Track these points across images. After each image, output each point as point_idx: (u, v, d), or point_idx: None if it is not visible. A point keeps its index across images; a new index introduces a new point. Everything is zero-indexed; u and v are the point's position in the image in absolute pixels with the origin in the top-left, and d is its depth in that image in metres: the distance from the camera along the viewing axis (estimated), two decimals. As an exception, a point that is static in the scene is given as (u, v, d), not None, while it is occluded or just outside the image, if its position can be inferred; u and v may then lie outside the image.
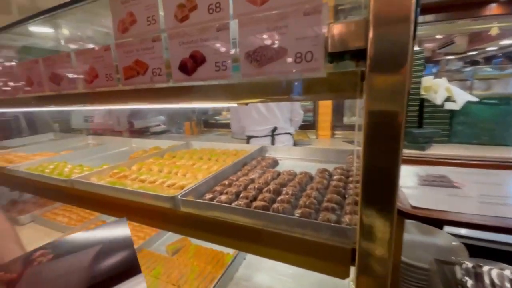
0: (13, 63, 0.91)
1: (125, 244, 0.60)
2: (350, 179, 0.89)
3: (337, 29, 0.43)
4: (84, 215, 1.69)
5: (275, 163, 1.18)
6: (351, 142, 3.09)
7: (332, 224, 0.56)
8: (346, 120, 3.70)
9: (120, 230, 0.63)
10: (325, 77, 0.46)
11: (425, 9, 2.49)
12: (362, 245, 0.49)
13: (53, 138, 2.23)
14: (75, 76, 0.74)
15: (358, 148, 0.51)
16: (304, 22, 0.44)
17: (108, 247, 0.59)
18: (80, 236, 0.61)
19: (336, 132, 3.57)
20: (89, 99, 0.74)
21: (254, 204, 0.72)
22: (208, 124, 4.77)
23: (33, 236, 1.58)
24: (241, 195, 0.80)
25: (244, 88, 0.52)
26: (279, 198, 0.75)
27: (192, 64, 0.55)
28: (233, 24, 0.50)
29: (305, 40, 0.45)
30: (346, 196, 0.77)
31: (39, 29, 1.73)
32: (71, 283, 0.53)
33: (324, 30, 0.43)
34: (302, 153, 1.28)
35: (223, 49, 0.51)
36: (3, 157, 1.49)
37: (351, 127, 3.63)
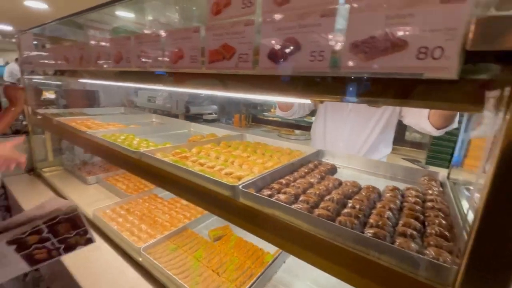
0: (104, 39, 1.00)
1: None
2: (429, 204, 0.76)
3: (484, 23, 0.34)
4: (140, 186, 1.84)
5: (333, 169, 1.10)
6: (413, 161, 2.78)
7: (424, 256, 0.47)
8: (408, 135, 3.35)
9: None
10: (452, 80, 0.38)
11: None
12: (463, 292, 0.40)
13: (123, 112, 2.46)
14: (161, 55, 0.77)
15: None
16: (439, 11, 0.36)
17: None
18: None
19: (395, 147, 3.25)
20: (171, 79, 0.77)
21: (317, 211, 0.67)
22: (256, 119, 4.81)
23: (97, 195, 1.77)
24: (300, 199, 0.75)
25: (340, 83, 0.46)
26: (345, 210, 0.68)
27: (283, 52, 0.51)
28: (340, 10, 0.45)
29: (435, 33, 0.37)
30: (426, 223, 0.66)
31: (126, 14, 1.92)
32: None
33: (465, 22, 0.35)
34: (365, 164, 1.16)
35: (323, 38, 0.46)
36: (84, 123, 1.69)
37: (413, 144, 3.26)
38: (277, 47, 0.52)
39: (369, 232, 0.58)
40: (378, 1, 0.41)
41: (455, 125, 1.35)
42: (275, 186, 0.82)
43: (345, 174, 1.12)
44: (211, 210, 0.78)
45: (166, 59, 0.75)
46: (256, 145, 1.41)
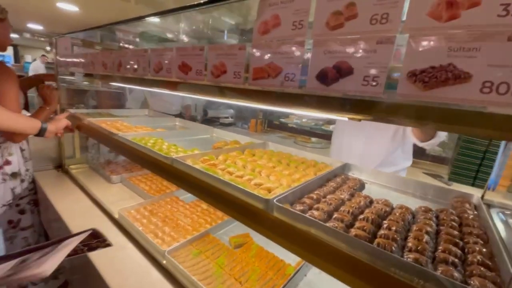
0: (147, 49, 1.04)
1: None
2: (465, 229, 0.75)
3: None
4: (162, 188, 1.88)
5: (361, 185, 1.09)
6: (435, 176, 2.70)
7: (469, 287, 0.47)
8: (429, 148, 3.25)
9: None
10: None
11: None
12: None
13: (147, 114, 2.54)
14: (203, 68, 0.80)
15: None
16: (507, 48, 0.36)
17: None
18: None
19: (416, 160, 3.17)
20: (212, 91, 0.80)
21: (354, 231, 0.66)
22: (272, 124, 4.82)
23: (121, 194, 1.82)
24: (334, 216, 0.75)
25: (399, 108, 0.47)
26: (382, 232, 0.67)
27: (334, 74, 0.52)
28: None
29: (502, 68, 0.37)
30: (466, 250, 0.65)
31: (152, 18, 1.99)
32: None
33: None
34: (393, 181, 1.15)
35: (379, 64, 0.47)
36: (113, 124, 1.76)
37: (434, 158, 3.17)
38: (328, 69, 0.53)
39: (409, 256, 0.58)
40: (440, 33, 0.41)
41: (441, 138, 1.40)
42: (307, 201, 0.83)
43: (373, 190, 1.11)
44: (243, 221, 0.79)
45: (209, 72, 0.78)
46: (280, 154, 1.42)
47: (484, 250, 0.64)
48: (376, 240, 0.63)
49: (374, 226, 0.71)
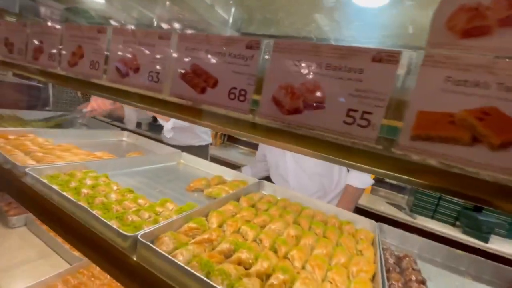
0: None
1: None
2: None
3: None
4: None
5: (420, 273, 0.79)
6: (398, 207, 2.69)
7: None
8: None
9: None
10: None
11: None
12: None
13: (79, 121, 1.83)
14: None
15: None
16: None
17: None
18: None
19: (375, 187, 3.18)
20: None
21: None
22: (232, 137, 4.41)
23: (26, 251, 1.12)
24: None
25: None
26: None
27: None
28: None
29: None
30: None
31: None
32: None
33: None
34: (444, 257, 0.89)
35: None
36: (20, 141, 1.09)
37: (392, 187, 3.21)
38: None
39: None
40: None
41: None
42: None
43: (430, 271, 0.81)
44: None
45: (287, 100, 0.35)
46: (287, 204, 1.04)
47: None
48: None
49: None
